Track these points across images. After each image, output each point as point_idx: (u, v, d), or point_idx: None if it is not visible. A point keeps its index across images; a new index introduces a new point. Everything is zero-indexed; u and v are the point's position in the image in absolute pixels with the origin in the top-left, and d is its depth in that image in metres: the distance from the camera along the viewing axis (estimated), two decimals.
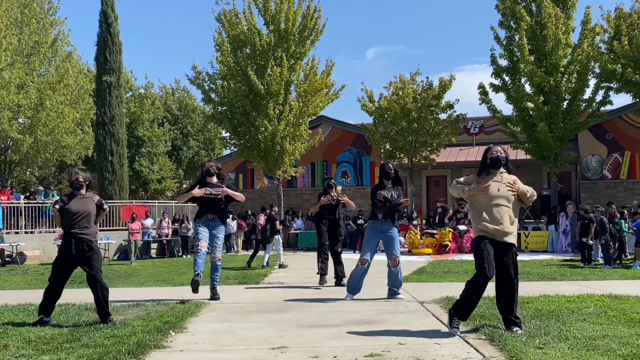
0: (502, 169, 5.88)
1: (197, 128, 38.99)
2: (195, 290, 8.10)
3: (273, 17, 22.19)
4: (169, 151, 37.15)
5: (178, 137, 38.23)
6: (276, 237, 14.70)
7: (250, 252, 21.32)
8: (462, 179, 6.04)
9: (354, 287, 8.19)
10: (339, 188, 10.23)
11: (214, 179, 8.41)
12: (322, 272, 10.10)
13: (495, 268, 5.65)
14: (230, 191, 8.41)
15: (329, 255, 10.16)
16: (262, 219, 16.15)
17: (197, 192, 8.23)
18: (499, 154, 5.88)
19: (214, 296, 8.16)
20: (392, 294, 8.15)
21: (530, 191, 5.81)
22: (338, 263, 9.97)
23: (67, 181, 6.44)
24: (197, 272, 8.11)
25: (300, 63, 22.81)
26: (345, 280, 9.18)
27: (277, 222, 14.74)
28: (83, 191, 6.69)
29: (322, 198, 10.03)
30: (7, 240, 17.71)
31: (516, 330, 5.53)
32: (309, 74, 22.50)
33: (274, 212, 15.54)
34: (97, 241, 6.70)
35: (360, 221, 21.19)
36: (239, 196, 8.56)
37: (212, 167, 8.42)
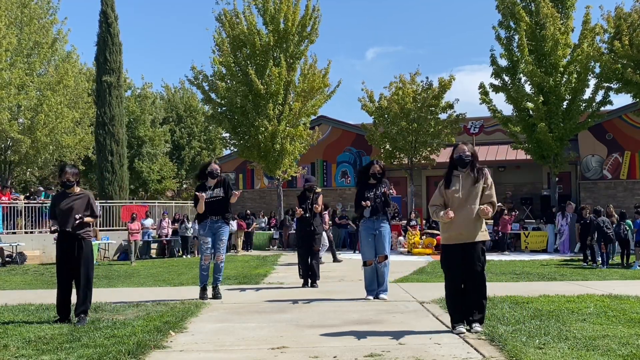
0: (467, 169, 5.84)
1: (201, 128, 39.04)
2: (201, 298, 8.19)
3: (272, 17, 22.21)
4: (169, 151, 37.12)
5: (183, 137, 38.23)
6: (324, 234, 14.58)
7: (250, 252, 21.52)
8: (435, 203, 5.92)
9: (369, 287, 8.24)
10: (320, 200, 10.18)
11: (214, 181, 8.41)
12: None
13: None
14: (233, 196, 8.34)
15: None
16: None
17: (199, 207, 8.25)
18: (461, 153, 5.82)
19: (216, 295, 8.25)
20: (377, 295, 8.14)
21: (489, 207, 5.70)
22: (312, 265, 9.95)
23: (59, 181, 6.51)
24: (203, 285, 8.30)
25: (299, 62, 22.82)
26: (317, 282, 9.78)
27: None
28: (76, 189, 6.80)
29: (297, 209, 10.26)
30: (7, 240, 17.70)
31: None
32: (307, 73, 22.51)
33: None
34: (89, 237, 6.79)
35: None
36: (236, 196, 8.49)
37: (215, 171, 8.39)
